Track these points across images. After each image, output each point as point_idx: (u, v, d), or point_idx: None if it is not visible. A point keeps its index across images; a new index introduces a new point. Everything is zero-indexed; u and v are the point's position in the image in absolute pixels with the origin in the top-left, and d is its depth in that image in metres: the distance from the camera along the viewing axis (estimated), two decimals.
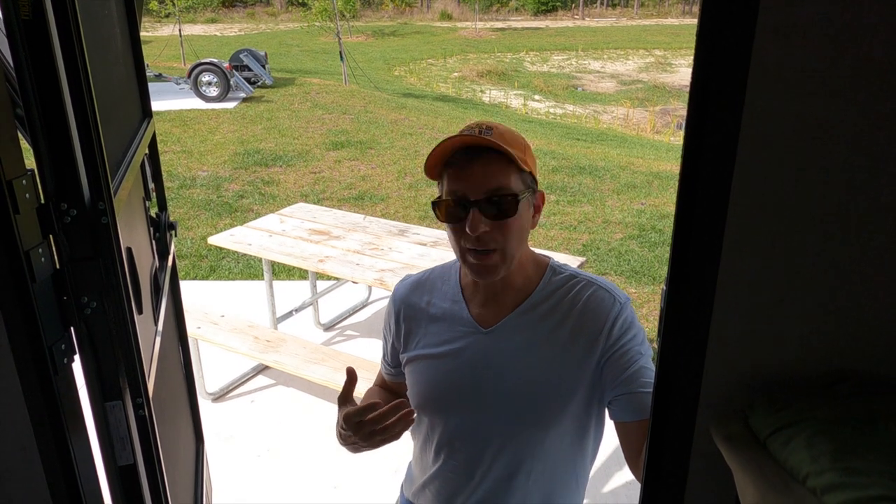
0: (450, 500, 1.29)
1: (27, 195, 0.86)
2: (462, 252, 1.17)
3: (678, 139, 12.17)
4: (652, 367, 1.17)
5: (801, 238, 0.78)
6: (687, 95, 0.78)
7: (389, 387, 1.46)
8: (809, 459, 0.69)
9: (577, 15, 42.99)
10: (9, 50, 0.86)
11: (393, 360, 1.37)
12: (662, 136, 13.63)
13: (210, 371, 3.69)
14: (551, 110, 16.26)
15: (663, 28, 35.16)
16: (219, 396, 3.59)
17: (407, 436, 1.32)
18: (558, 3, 43.06)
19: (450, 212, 1.14)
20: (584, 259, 3.91)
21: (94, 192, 0.95)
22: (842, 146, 0.75)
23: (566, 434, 1.21)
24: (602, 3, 47.53)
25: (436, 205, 1.17)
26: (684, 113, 0.77)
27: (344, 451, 1.42)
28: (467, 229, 1.11)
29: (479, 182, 1.11)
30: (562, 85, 20.48)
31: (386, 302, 2.68)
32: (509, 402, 1.19)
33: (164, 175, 7.52)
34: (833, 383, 0.80)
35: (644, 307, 4.69)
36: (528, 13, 42.47)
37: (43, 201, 0.91)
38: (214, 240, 3.94)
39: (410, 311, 1.32)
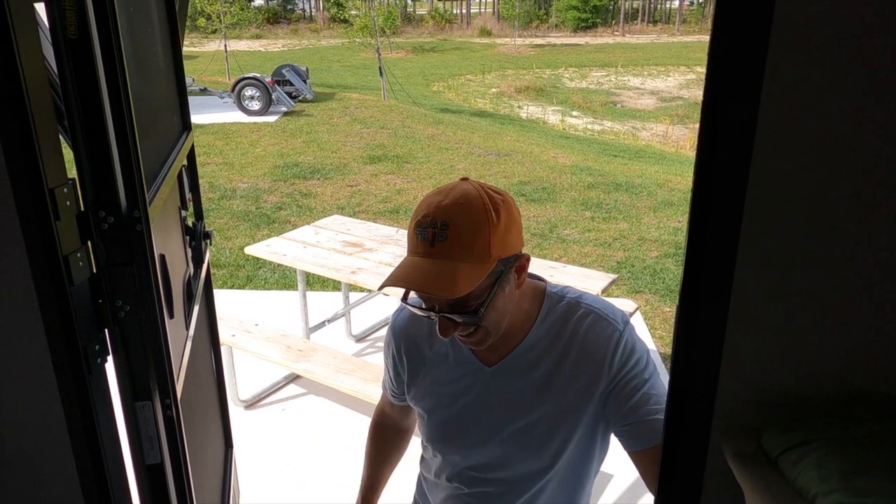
0: None
1: (68, 203, 0.91)
2: None
3: None
4: (660, 386, 1.16)
5: (817, 253, 0.78)
6: None
7: (393, 415, 1.45)
8: (818, 480, 0.68)
9: (617, 31, 42.81)
10: (55, 65, 0.92)
11: (398, 389, 1.36)
12: None
13: (243, 379, 3.76)
14: (589, 126, 16.19)
15: (705, 45, 34.47)
16: (251, 404, 3.65)
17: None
18: (598, 20, 42.97)
19: (420, 315, 1.12)
20: (617, 276, 3.88)
21: (130, 201, 1.00)
22: (858, 161, 0.74)
23: (573, 457, 1.22)
24: (643, 20, 47.26)
25: (406, 303, 1.14)
26: None
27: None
28: (438, 333, 1.09)
29: (436, 298, 1.06)
30: (600, 101, 20.39)
31: None
32: (515, 439, 1.21)
33: (206, 186, 7.73)
34: (847, 403, 0.79)
35: None
36: (568, 30, 42.47)
37: (82, 209, 0.96)
38: (251, 250, 4.03)
39: (412, 344, 1.29)
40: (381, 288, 1.08)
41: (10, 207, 0.88)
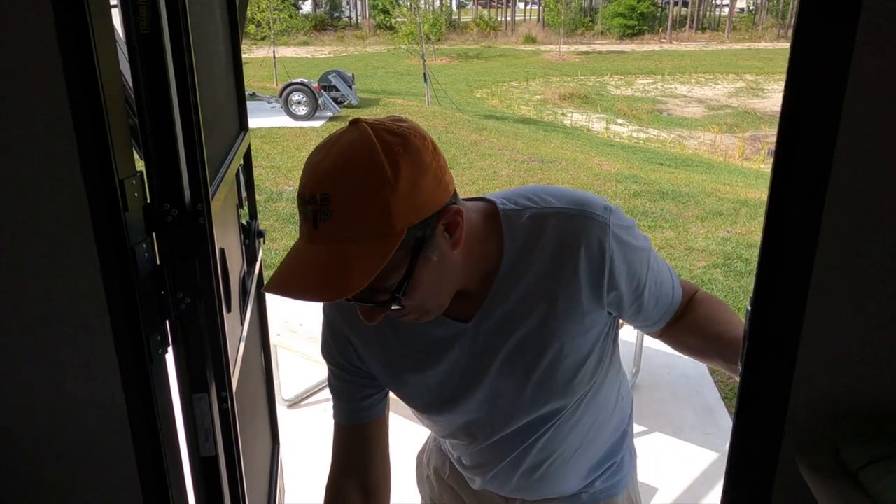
0: (491, 471, 1.14)
1: (136, 194, 0.93)
2: None
3: (769, 166, 11.65)
4: (660, 262, 1.06)
5: None
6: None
7: (359, 441, 1.11)
8: None
9: (664, 38, 42.22)
10: (126, 65, 0.94)
11: (357, 388, 1.09)
12: (752, 162, 13.12)
13: (287, 378, 3.80)
14: (634, 134, 15.98)
15: (756, 52, 34.00)
16: (294, 403, 3.69)
17: None
18: (645, 27, 42.45)
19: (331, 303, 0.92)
20: None
21: (194, 195, 1.02)
22: None
23: (593, 376, 1.07)
24: (691, 27, 46.50)
25: None
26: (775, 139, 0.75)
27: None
28: (362, 319, 0.89)
29: (306, 297, 0.81)
30: (646, 109, 20.11)
31: None
32: (520, 387, 1.03)
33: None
34: None
35: None
36: (614, 37, 42.06)
37: (149, 200, 0.98)
38: None
39: (358, 332, 1.04)
40: (266, 291, 0.83)
41: (81, 197, 0.90)
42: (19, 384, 1.00)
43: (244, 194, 1.64)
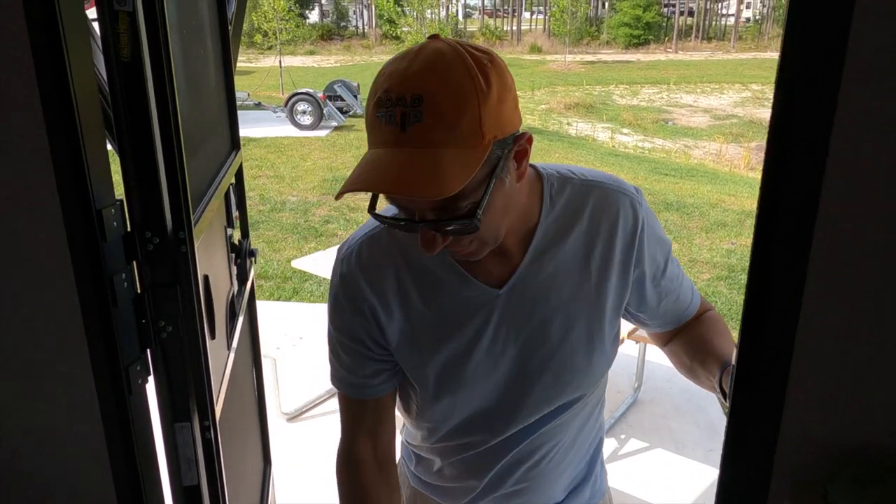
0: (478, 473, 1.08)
1: (114, 223, 0.92)
2: None
3: None
4: (678, 264, 1.08)
5: (893, 296, 0.72)
6: None
7: (367, 426, 1.06)
8: None
9: (669, 48, 42.26)
10: (107, 87, 0.94)
11: (367, 361, 1.02)
12: (757, 173, 13.05)
13: (287, 391, 3.79)
14: (639, 144, 15.96)
15: (761, 62, 33.98)
16: (293, 417, 3.67)
17: None
18: (651, 37, 42.52)
19: (394, 226, 0.86)
20: None
21: (176, 222, 1.00)
22: None
23: (604, 371, 1.07)
24: (697, 37, 46.54)
25: (374, 215, 0.88)
26: None
27: None
28: (421, 248, 0.84)
29: (418, 200, 0.80)
30: (651, 118, 20.10)
31: None
32: (542, 370, 0.99)
33: (257, 199, 7.89)
34: None
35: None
36: (620, 46, 42.15)
37: (129, 229, 0.97)
38: (298, 263, 4.07)
39: (382, 286, 0.97)
40: (339, 195, 0.79)
41: (58, 227, 0.89)
42: None
43: (235, 213, 1.63)
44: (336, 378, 1.05)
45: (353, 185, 0.76)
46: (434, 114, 0.75)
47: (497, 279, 0.96)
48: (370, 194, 0.86)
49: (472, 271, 0.95)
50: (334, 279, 1.01)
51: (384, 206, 0.93)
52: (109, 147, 0.96)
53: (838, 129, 0.67)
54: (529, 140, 0.85)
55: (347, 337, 1.01)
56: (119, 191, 0.97)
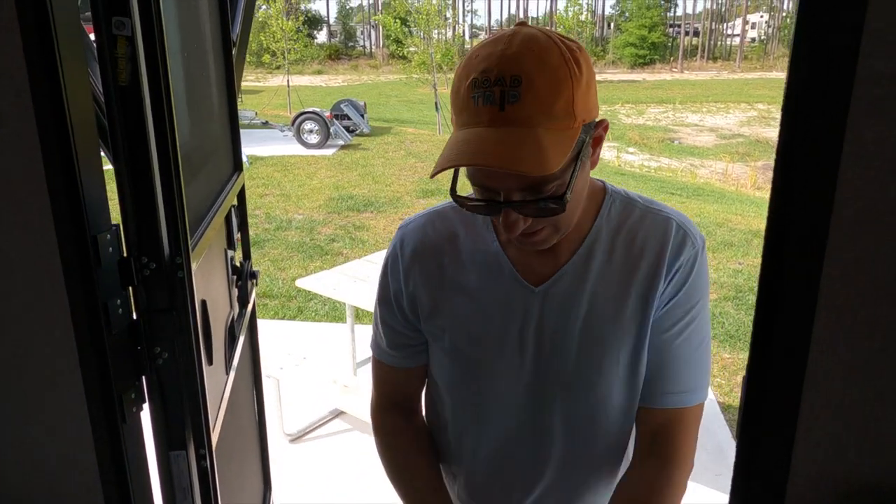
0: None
1: (110, 249, 0.90)
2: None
3: None
4: (700, 336, 0.98)
5: None
6: None
7: (398, 389, 1.12)
8: None
9: (675, 68, 42.45)
10: (104, 111, 0.93)
11: (402, 339, 1.07)
12: (764, 192, 13.03)
13: (290, 411, 3.76)
14: (645, 163, 15.96)
15: (767, 81, 34.09)
16: (296, 438, 3.63)
17: None
18: (656, 57, 42.73)
19: (476, 207, 0.86)
20: None
21: (173, 247, 0.99)
22: None
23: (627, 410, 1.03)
24: (702, 57, 46.73)
25: (456, 196, 0.88)
26: None
27: None
28: (501, 227, 0.86)
29: (509, 179, 0.81)
30: (657, 138, 20.12)
31: None
32: (562, 379, 0.99)
33: (263, 217, 7.91)
34: None
35: (738, 375, 4.41)
36: (625, 66, 42.36)
37: (125, 255, 0.96)
38: (302, 283, 4.06)
39: (432, 265, 1.00)
40: (437, 171, 0.78)
41: (54, 251, 0.88)
42: None
43: (237, 235, 1.62)
44: (377, 349, 1.12)
45: (453, 161, 0.78)
46: (532, 94, 0.77)
47: (538, 277, 0.97)
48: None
49: (518, 264, 0.97)
50: (388, 251, 1.07)
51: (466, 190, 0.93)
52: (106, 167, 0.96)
53: (847, 155, 0.65)
54: (606, 127, 0.88)
55: (392, 293, 1.06)
56: (115, 214, 0.96)
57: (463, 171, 0.86)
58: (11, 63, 0.81)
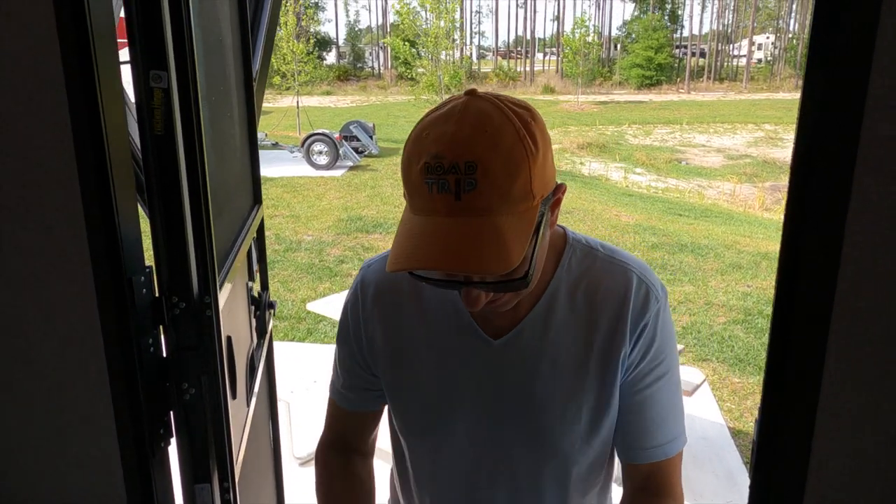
0: None
1: (144, 290, 0.94)
2: None
3: None
4: (676, 395, 0.98)
5: None
6: None
7: (349, 430, 1.12)
8: None
9: (682, 89, 42.63)
10: (140, 160, 0.97)
11: (358, 381, 1.05)
12: (772, 213, 13.03)
13: (300, 435, 3.77)
14: (653, 184, 15.99)
15: (774, 102, 34.18)
16: (306, 461, 3.65)
17: None
18: (663, 78, 42.94)
19: (438, 284, 0.84)
20: (681, 347, 3.74)
21: (202, 287, 1.03)
22: None
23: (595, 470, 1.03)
24: (709, 77, 46.94)
25: (415, 274, 0.83)
26: None
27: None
28: (463, 300, 0.84)
29: (471, 269, 0.77)
30: (665, 158, 20.17)
31: None
32: (531, 426, 0.97)
33: (273, 238, 7.96)
34: None
35: (748, 399, 4.39)
36: (632, 87, 42.58)
37: (157, 295, 1.00)
38: (313, 307, 4.10)
39: (389, 310, 0.99)
40: (397, 269, 0.76)
41: (90, 292, 0.92)
42: (22, 473, 1.01)
43: (255, 267, 1.66)
44: (332, 388, 1.11)
45: (413, 261, 0.75)
46: (489, 181, 0.74)
47: (497, 330, 0.95)
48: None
49: (477, 317, 0.95)
50: (350, 291, 1.06)
51: None
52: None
53: (858, 183, 0.67)
54: (563, 190, 0.85)
55: (344, 340, 1.06)
56: (148, 254, 1.00)
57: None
58: (54, 112, 0.86)
